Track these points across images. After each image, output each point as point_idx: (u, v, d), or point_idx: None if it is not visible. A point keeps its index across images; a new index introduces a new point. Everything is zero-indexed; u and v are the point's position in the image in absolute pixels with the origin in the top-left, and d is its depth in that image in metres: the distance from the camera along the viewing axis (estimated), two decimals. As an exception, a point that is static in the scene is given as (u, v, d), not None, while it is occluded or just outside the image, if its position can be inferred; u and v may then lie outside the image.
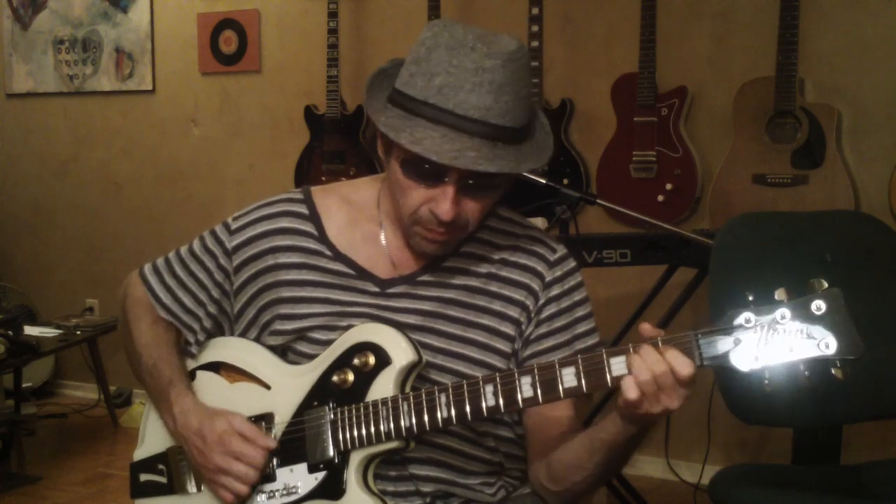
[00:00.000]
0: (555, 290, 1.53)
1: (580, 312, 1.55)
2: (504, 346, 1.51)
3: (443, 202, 1.39)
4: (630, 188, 3.47)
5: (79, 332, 4.21)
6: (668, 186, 3.44)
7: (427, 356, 1.47)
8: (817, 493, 2.00)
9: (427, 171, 1.39)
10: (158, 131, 4.59)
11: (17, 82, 4.91)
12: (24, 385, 4.27)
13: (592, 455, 1.42)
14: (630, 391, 1.27)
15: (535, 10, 3.50)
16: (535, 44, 3.49)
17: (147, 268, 1.68)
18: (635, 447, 1.42)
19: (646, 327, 1.31)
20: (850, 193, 3.14)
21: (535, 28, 3.51)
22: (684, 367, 1.25)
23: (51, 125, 4.86)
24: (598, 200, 2.56)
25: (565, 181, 3.53)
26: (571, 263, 1.56)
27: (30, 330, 4.07)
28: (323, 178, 3.92)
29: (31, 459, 4.03)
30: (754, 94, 3.26)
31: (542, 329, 1.52)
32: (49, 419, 4.45)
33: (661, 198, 3.44)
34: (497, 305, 1.52)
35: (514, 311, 1.52)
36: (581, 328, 1.54)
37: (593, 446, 1.41)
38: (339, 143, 3.96)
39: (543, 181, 2.49)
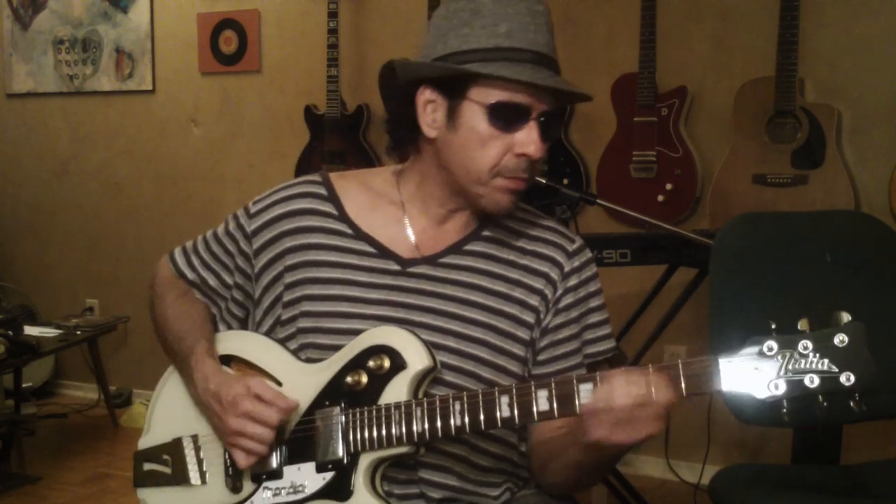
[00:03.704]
0: (572, 281, 1.55)
1: (593, 303, 1.57)
2: (524, 335, 1.52)
3: (531, 140, 1.44)
4: (630, 188, 3.47)
5: (79, 332, 4.21)
6: (668, 186, 3.44)
7: (448, 342, 1.48)
8: (817, 493, 2.00)
9: (514, 112, 1.43)
10: (158, 131, 4.59)
11: (17, 82, 4.91)
12: (24, 385, 4.26)
13: (578, 470, 1.45)
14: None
15: (535, 10, 3.49)
16: (535, 44, 3.49)
17: (176, 249, 1.71)
18: (611, 464, 1.45)
19: None
20: (850, 193, 3.14)
21: (535, 28, 3.50)
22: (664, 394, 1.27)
23: (51, 125, 4.86)
24: (598, 200, 2.57)
25: (565, 181, 3.53)
26: (588, 254, 1.59)
27: (30, 330, 4.07)
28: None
29: (31, 459, 4.03)
30: (754, 94, 3.26)
31: (560, 319, 1.54)
32: (49, 419, 4.45)
33: (661, 198, 3.44)
34: (518, 293, 1.53)
35: (533, 300, 1.53)
36: (592, 319, 1.57)
37: (578, 466, 1.44)
38: (339, 143, 3.96)
39: (543, 181, 2.49)
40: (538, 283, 1.53)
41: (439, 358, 1.45)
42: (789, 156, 3.20)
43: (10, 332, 3.72)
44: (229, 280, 1.64)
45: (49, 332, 4.16)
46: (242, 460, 1.46)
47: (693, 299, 2.99)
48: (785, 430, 2.78)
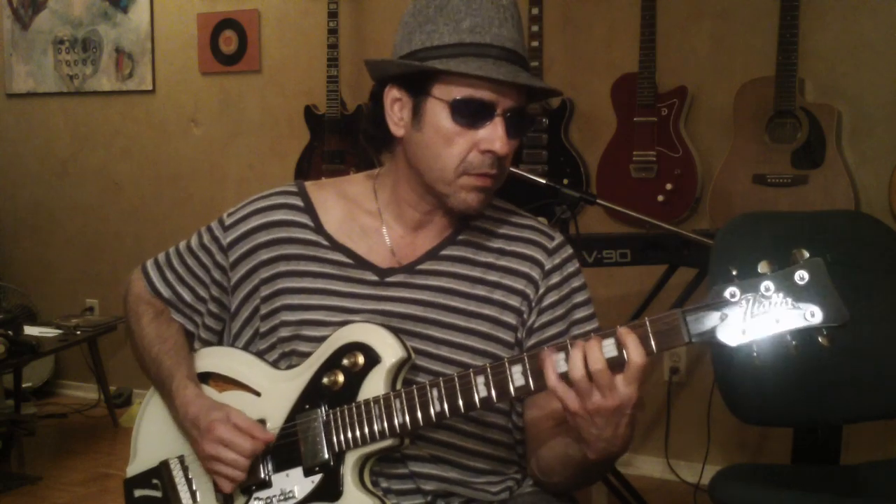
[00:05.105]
0: (555, 278, 1.54)
1: (578, 299, 1.56)
2: (507, 336, 1.52)
3: (496, 137, 1.42)
4: (630, 188, 3.47)
5: (79, 332, 4.21)
6: (668, 186, 3.44)
7: (429, 347, 1.48)
8: (817, 493, 2.00)
9: (477, 109, 1.42)
10: (158, 131, 4.59)
11: (17, 82, 4.91)
12: (24, 385, 4.27)
13: (565, 466, 1.44)
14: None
15: (535, 10, 3.50)
16: (535, 44, 3.49)
17: (149, 262, 1.70)
18: (604, 469, 1.43)
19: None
20: (850, 193, 3.14)
21: (535, 28, 3.51)
22: (638, 356, 1.25)
23: (51, 125, 4.86)
24: (598, 200, 2.57)
25: (565, 181, 3.53)
26: (569, 250, 1.57)
27: (30, 330, 4.07)
28: (323, 179, 3.92)
29: (31, 459, 4.03)
30: (754, 94, 3.26)
31: (545, 318, 1.53)
32: (49, 419, 4.45)
33: (661, 198, 3.44)
34: (498, 295, 1.52)
35: (515, 301, 1.52)
36: (578, 314, 1.55)
37: (565, 459, 1.42)
38: (339, 143, 3.96)
39: (543, 181, 2.49)
40: (519, 284, 1.53)
41: (420, 363, 1.46)
42: (789, 156, 3.20)
43: (10, 332, 3.72)
44: (204, 294, 1.63)
45: (49, 332, 4.16)
46: (222, 485, 1.47)
47: (693, 299, 2.99)
48: (785, 430, 2.78)
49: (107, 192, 4.75)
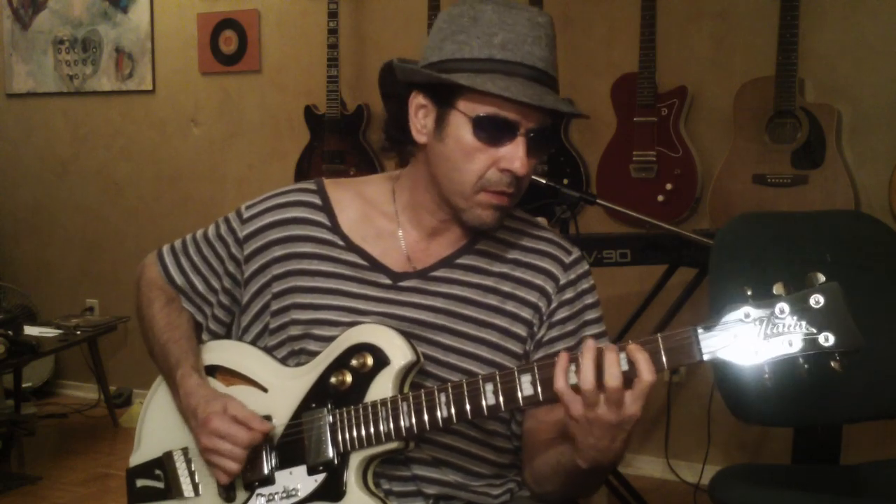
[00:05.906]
0: (568, 294, 1.53)
1: (590, 316, 1.55)
2: (516, 348, 1.51)
3: (516, 157, 1.41)
4: (630, 188, 3.47)
5: (79, 332, 4.21)
6: (668, 186, 3.44)
7: (438, 354, 1.48)
8: (817, 493, 2.01)
9: (500, 127, 1.40)
10: (158, 131, 4.59)
11: (17, 82, 4.91)
12: (24, 385, 4.27)
13: (556, 474, 1.44)
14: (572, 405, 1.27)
15: (535, 10, 3.50)
16: (535, 44, 3.49)
17: (165, 248, 1.69)
18: (594, 481, 1.45)
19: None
20: (850, 193, 3.14)
21: (535, 28, 3.50)
22: (648, 373, 1.25)
23: (51, 125, 4.87)
24: (598, 200, 2.57)
25: (565, 181, 3.53)
26: (585, 266, 1.57)
27: (30, 330, 4.07)
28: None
29: (31, 459, 4.03)
30: (754, 94, 3.26)
31: (554, 332, 1.52)
32: (49, 419, 4.46)
33: (661, 198, 3.44)
34: (510, 306, 1.52)
35: (526, 313, 1.52)
36: (589, 332, 1.54)
37: (557, 467, 1.42)
38: (339, 143, 3.96)
39: (543, 181, 2.49)
40: (532, 296, 1.52)
41: (428, 370, 1.45)
42: (789, 156, 3.20)
43: (10, 332, 3.72)
44: (216, 284, 1.63)
45: (49, 332, 4.16)
46: (219, 477, 1.47)
47: (693, 299, 3.00)
48: (785, 430, 2.79)
49: (107, 192, 4.75)
